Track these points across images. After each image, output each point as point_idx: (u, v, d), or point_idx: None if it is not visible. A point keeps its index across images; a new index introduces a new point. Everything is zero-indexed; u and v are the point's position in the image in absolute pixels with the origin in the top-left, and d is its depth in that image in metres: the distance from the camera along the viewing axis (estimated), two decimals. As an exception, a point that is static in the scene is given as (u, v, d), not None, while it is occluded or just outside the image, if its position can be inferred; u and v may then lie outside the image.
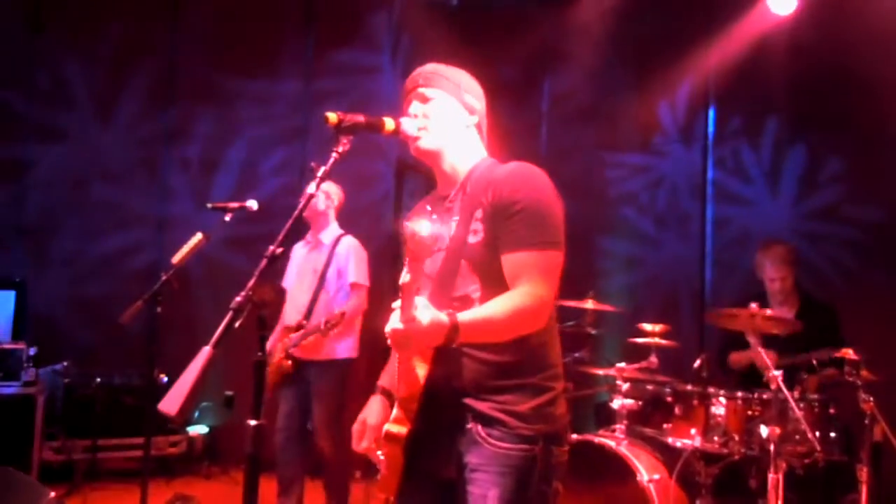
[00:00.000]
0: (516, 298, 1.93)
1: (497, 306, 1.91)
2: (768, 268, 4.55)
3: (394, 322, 1.80)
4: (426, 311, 1.76)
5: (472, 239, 2.01)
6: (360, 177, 6.12)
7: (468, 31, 6.27)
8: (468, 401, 1.99)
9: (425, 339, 1.80)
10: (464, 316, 1.85)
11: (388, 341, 1.85)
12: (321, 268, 4.54)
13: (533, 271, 1.95)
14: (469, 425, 1.98)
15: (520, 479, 1.94)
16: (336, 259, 4.55)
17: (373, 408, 2.20)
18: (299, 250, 4.72)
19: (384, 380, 2.24)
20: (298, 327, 4.42)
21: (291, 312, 4.51)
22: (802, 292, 4.59)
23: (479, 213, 2.02)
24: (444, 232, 2.03)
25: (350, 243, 4.63)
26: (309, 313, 4.48)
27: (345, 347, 4.50)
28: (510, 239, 1.97)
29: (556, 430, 2.02)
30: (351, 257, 4.57)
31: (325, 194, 4.62)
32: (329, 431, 4.43)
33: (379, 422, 2.13)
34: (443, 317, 1.81)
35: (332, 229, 4.67)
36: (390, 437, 1.99)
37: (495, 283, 1.98)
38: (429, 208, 1.99)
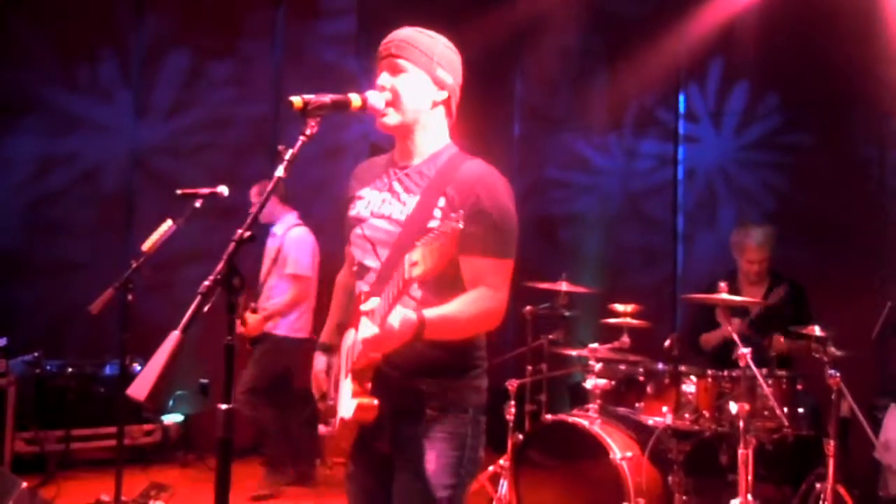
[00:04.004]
0: (481, 301, 2.02)
1: (463, 306, 2.00)
2: (751, 250, 4.52)
3: (365, 329, 1.89)
4: (396, 315, 1.84)
5: (432, 224, 2.02)
6: (332, 153, 6.14)
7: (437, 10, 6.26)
8: (406, 379, 2.06)
9: (398, 340, 1.88)
10: (430, 314, 1.93)
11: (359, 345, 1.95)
12: (274, 255, 5.07)
13: (496, 277, 2.04)
14: (405, 401, 2.06)
15: (455, 443, 2.07)
16: (284, 249, 5.03)
17: (318, 363, 2.34)
18: (269, 240, 5.23)
19: (325, 336, 2.38)
20: (254, 310, 4.97)
21: (267, 296, 5.10)
22: (772, 271, 4.65)
23: (442, 202, 2.05)
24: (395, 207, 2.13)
25: (294, 235, 5.06)
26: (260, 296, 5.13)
27: (280, 326, 5.05)
28: (476, 244, 1.99)
29: (482, 401, 2.15)
30: (292, 250, 5.02)
31: (252, 203, 5.02)
32: (244, 396, 4.87)
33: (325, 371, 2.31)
34: (411, 315, 1.88)
35: (286, 220, 5.13)
36: (364, 408, 2.00)
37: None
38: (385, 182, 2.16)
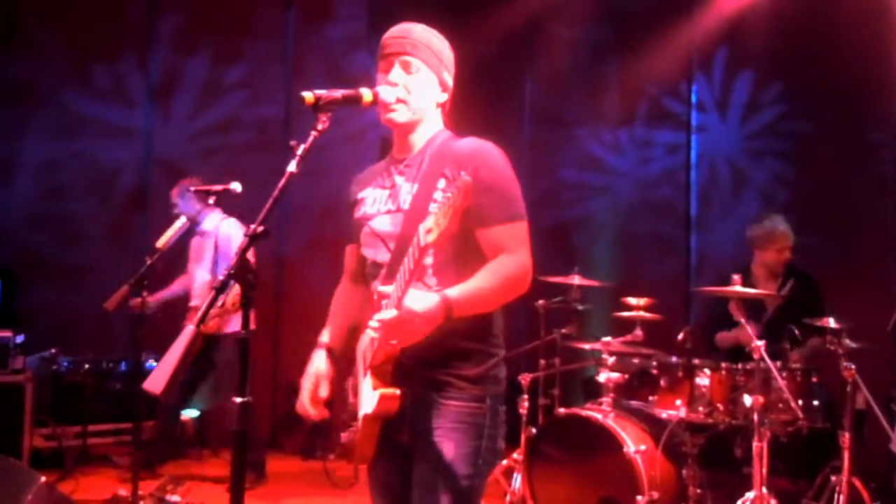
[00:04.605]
0: (503, 268, 2.01)
1: (485, 277, 1.98)
2: (784, 238, 4.48)
3: (384, 315, 1.85)
4: (415, 297, 1.83)
5: (433, 207, 2.00)
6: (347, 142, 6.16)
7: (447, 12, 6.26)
8: (422, 369, 2.04)
9: (424, 323, 1.85)
10: (453, 292, 1.91)
11: (375, 334, 1.91)
12: (212, 253, 5.02)
13: (512, 241, 2.04)
14: (422, 392, 2.05)
15: (472, 433, 2.04)
16: (221, 244, 4.99)
17: (321, 361, 2.24)
18: (194, 239, 5.19)
19: (326, 338, 2.29)
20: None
21: (198, 295, 5.07)
22: (787, 264, 4.62)
23: (442, 183, 2.01)
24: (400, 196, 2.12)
25: (227, 227, 5.03)
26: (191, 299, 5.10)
27: (231, 324, 4.96)
28: (485, 215, 2.01)
29: (501, 390, 2.13)
30: (231, 242, 4.97)
31: (173, 204, 5.00)
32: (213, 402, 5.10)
33: (331, 374, 2.22)
34: (433, 297, 1.87)
35: (212, 217, 5.06)
36: (387, 398, 1.99)
37: (451, 250, 2.03)
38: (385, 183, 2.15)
